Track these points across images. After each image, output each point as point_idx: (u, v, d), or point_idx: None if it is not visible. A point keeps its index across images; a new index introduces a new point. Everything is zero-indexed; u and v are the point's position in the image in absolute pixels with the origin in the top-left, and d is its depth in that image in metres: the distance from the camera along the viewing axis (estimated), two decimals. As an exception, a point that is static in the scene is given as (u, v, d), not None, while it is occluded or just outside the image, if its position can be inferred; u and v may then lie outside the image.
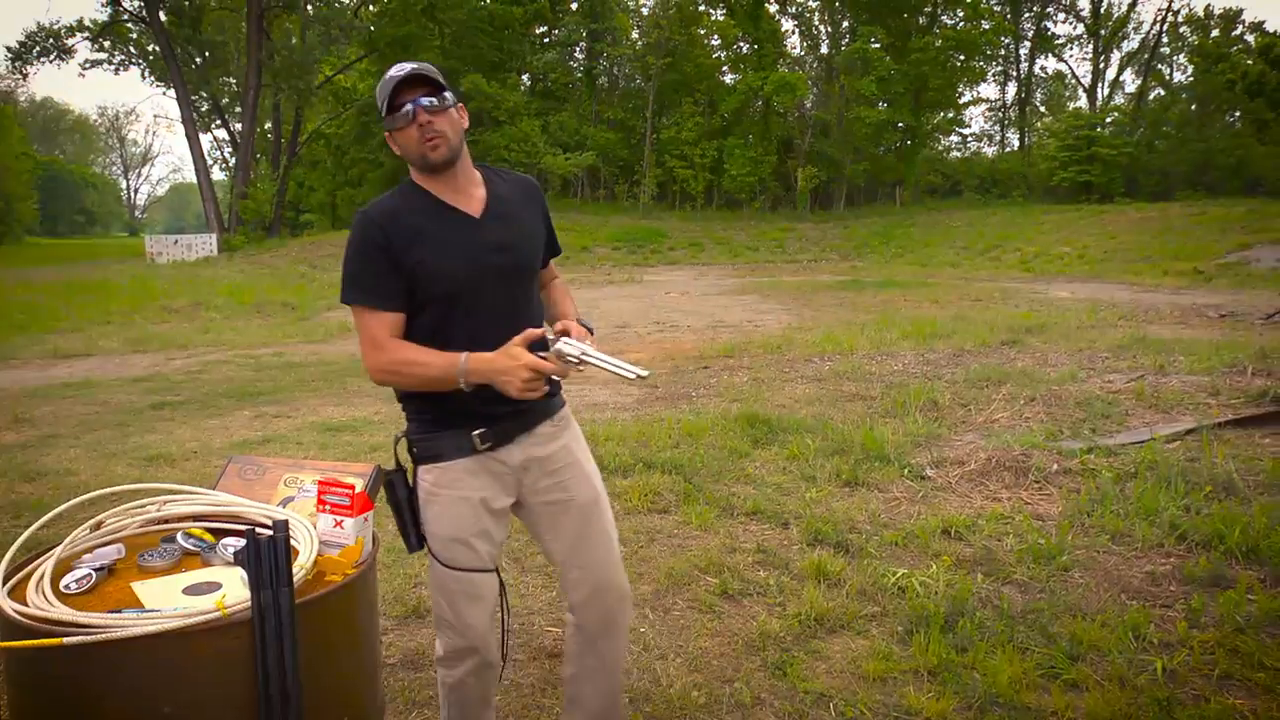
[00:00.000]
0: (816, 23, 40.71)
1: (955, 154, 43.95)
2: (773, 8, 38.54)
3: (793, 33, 43.10)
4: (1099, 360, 7.67)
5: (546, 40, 40.97)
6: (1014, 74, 42.61)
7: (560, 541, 2.07)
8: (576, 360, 1.72)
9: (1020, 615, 2.99)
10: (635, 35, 39.81)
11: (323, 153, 43.96)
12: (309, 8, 34.47)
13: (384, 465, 1.95)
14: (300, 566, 1.29)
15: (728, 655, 2.86)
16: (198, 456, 5.42)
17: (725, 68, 39.29)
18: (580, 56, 40.74)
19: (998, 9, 38.70)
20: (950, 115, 41.11)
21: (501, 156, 33.81)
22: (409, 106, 1.79)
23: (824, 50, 40.57)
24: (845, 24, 39.21)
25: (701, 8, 38.07)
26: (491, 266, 1.89)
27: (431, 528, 1.89)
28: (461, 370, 1.74)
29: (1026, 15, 40.60)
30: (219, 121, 41.39)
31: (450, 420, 1.90)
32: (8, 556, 1.35)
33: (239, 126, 35.52)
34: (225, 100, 40.27)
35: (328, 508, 1.45)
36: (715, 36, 38.76)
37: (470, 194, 1.93)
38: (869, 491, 4.50)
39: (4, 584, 1.29)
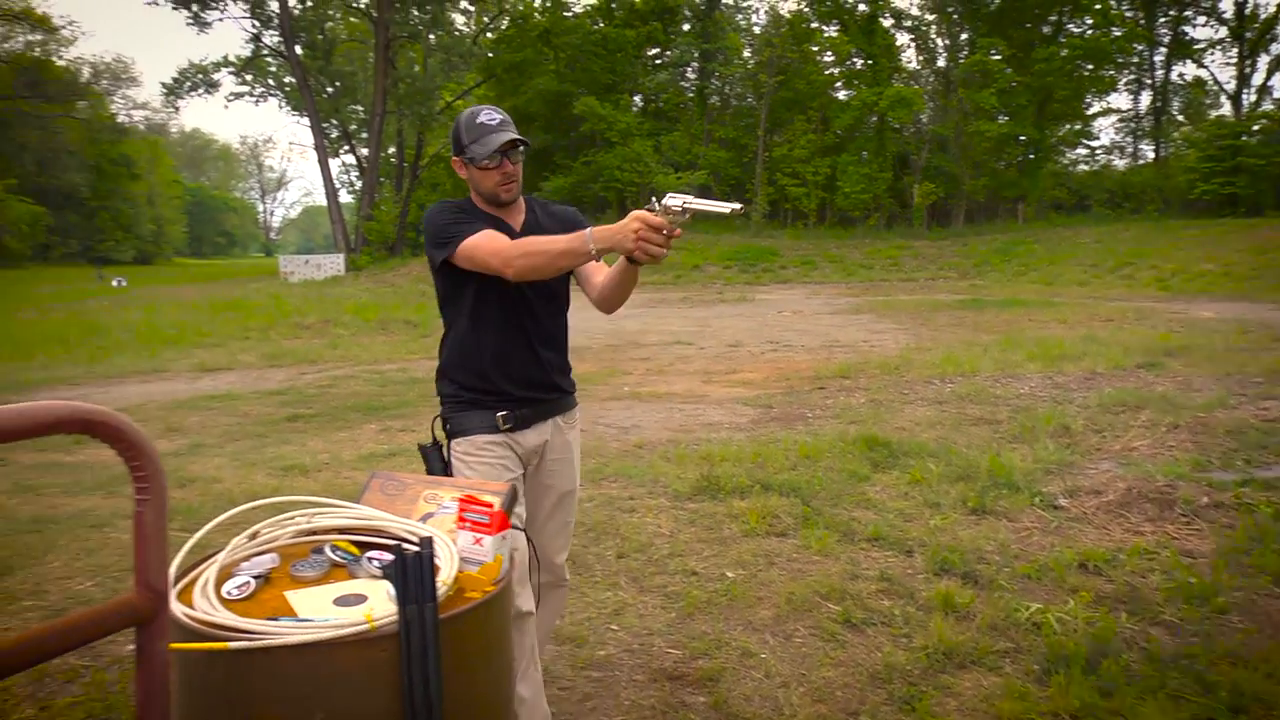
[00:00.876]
0: (933, 36, 39.77)
1: (1083, 167, 42.02)
2: (887, 22, 37.88)
3: (908, 47, 42.26)
4: (1251, 385, 7.18)
5: (659, 61, 41.40)
6: (1148, 82, 40.50)
7: (532, 515, 2.37)
8: (680, 209, 1.87)
9: (1171, 660, 2.80)
10: (747, 54, 39.82)
11: (442, 175, 45.45)
12: (431, 37, 35.79)
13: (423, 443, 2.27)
14: (442, 583, 1.32)
15: (852, 687, 2.78)
16: (329, 467, 5.65)
17: (838, 84, 38.82)
18: (692, 76, 40.99)
19: (1130, 15, 36.99)
20: (1077, 127, 39.46)
21: (614, 176, 34.32)
22: (498, 156, 2.16)
23: (941, 64, 39.59)
24: (964, 36, 38.16)
25: (814, 25, 37.76)
26: None
27: None
28: (588, 238, 1.96)
29: (1162, 20, 38.54)
30: (347, 147, 43.38)
31: (479, 402, 2.24)
32: (176, 561, 1.42)
33: (365, 152, 37.17)
34: (353, 127, 42.19)
35: (468, 525, 1.48)
36: (828, 53, 38.36)
37: (516, 217, 2.30)
38: (997, 520, 4.33)
39: (174, 587, 1.37)
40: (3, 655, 0.91)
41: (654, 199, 1.91)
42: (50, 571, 3.84)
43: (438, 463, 2.21)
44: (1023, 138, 35.84)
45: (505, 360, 2.25)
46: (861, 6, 36.81)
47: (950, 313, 16.06)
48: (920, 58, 40.73)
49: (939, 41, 39.83)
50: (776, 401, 7.79)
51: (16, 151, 48.47)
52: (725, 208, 1.84)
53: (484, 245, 2.09)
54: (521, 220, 2.30)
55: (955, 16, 37.97)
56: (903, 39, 40.35)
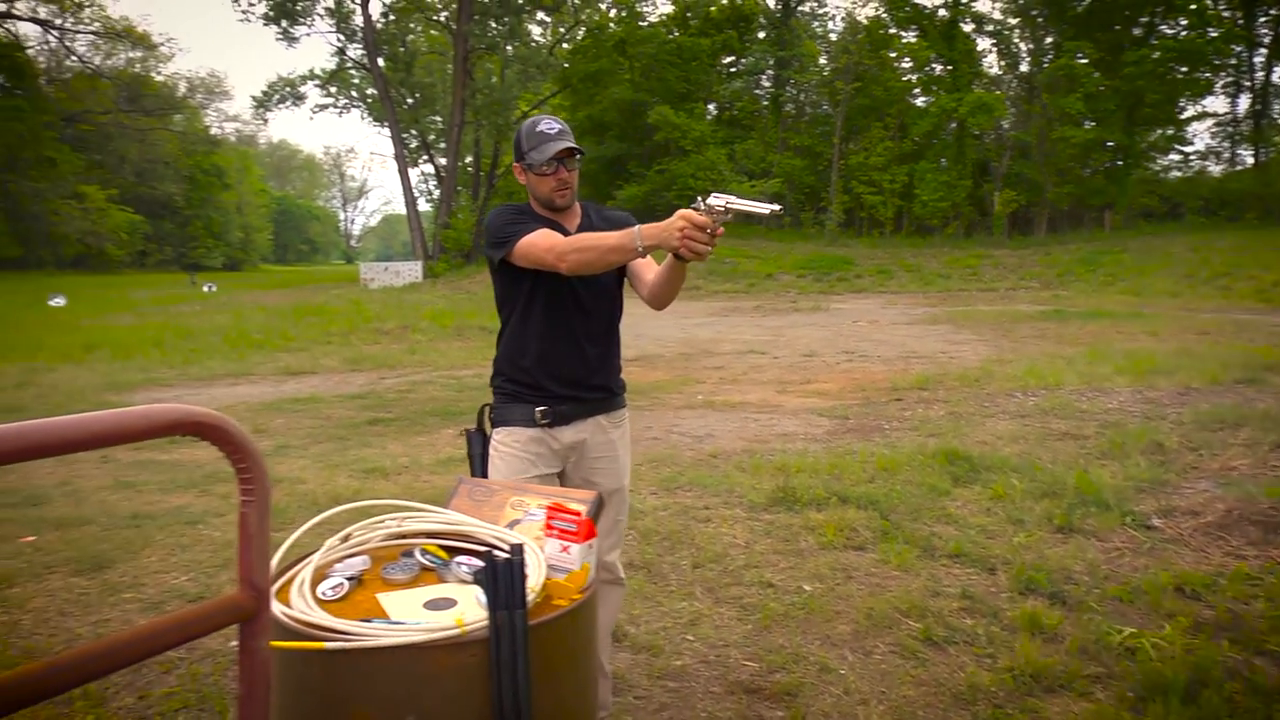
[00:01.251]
0: (1016, 40, 38.81)
1: (1175, 174, 40.40)
2: (968, 27, 37.10)
3: (989, 51, 41.38)
4: (1358, 403, 6.81)
5: (733, 69, 41.34)
6: (1247, 84, 38.80)
7: None
8: (723, 208, 1.94)
9: (1278, 692, 2.66)
10: (823, 61, 39.47)
11: (516, 184, 46.08)
12: (509, 49, 36.39)
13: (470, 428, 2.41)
14: (531, 590, 1.32)
15: (934, 707, 2.71)
16: (409, 471, 5.77)
17: (917, 90, 38.16)
18: (767, 84, 40.80)
19: (1227, 14, 35.50)
20: (1169, 132, 37.97)
21: (688, 184, 34.31)
22: (555, 161, 2.26)
23: (1024, 68, 38.60)
24: (1049, 40, 37.15)
25: (892, 30, 37.21)
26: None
27: (492, 476, 2.33)
28: (636, 235, 2.05)
29: (1262, 20, 36.87)
30: (426, 157, 44.34)
31: (522, 396, 2.35)
32: (275, 561, 1.47)
33: (443, 161, 37.94)
34: (432, 137, 43.11)
35: (555, 532, 1.49)
36: (906, 59, 37.77)
37: (571, 222, 2.40)
38: (1085, 539, 4.18)
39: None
40: (124, 647, 0.95)
41: (699, 198, 1.99)
42: (148, 565, 4.00)
43: (478, 448, 2.37)
44: (1111, 143, 34.67)
45: (549, 358, 2.34)
46: (941, 12, 36.15)
47: (1032, 324, 15.61)
48: (1002, 63, 39.77)
49: (1022, 46, 38.86)
50: (853, 413, 7.68)
51: (117, 163, 50.83)
52: (765, 208, 1.90)
53: (539, 242, 2.19)
54: (577, 224, 2.40)
55: (1040, 20, 36.99)
56: (984, 44, 39.55)
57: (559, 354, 2.34)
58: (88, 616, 3.42)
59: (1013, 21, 38.09)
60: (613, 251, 2.10)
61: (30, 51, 47.66)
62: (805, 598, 3.54)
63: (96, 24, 49.11)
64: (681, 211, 1.96)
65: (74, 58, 49.96)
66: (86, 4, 47.43)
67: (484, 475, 2.33)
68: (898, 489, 5.04)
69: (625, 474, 2.50)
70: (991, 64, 40.65)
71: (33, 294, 24.95)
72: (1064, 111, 32.39)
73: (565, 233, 2.30)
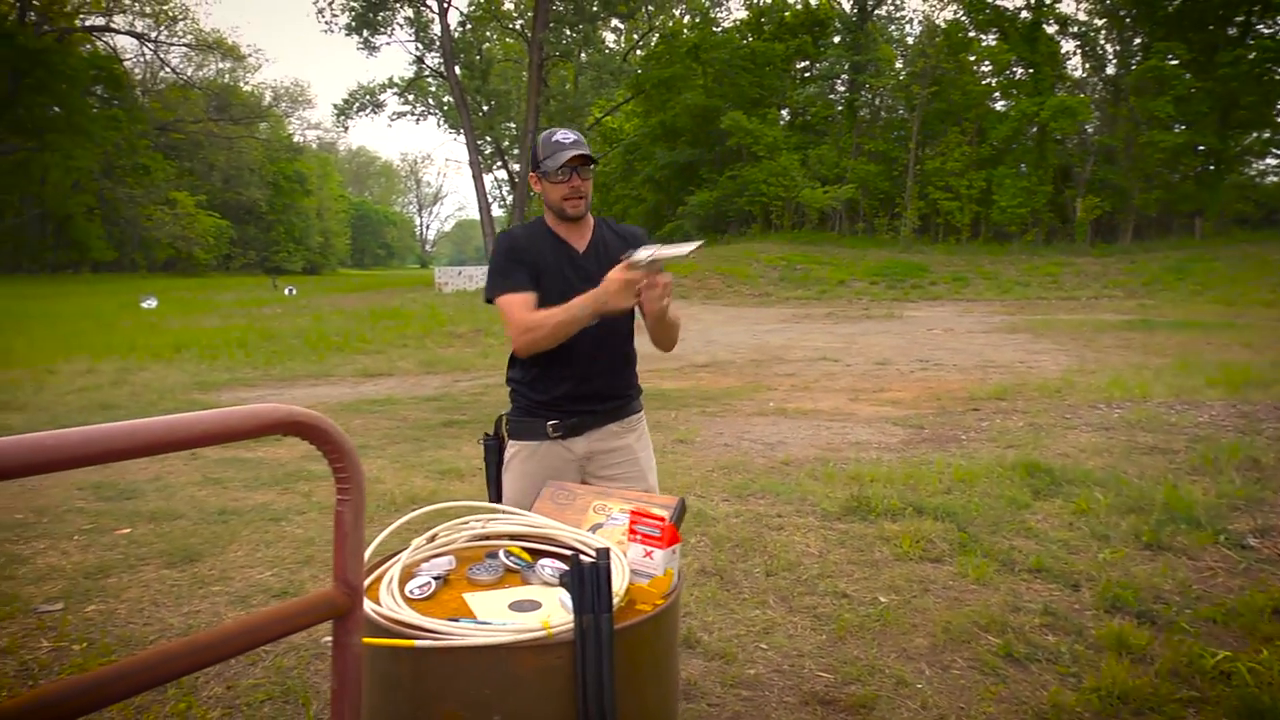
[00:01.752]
0: (1102, 41, 37.66)
1: (1272, 178, 38.69)
2: (1051, 29, 36.12)
3: (1073, 54, 40.21)
4: None
5: (807, 74, 41.01)
6: (1349, 86, 36.95)
7: None
8: (646, 261, 2.02)
9: (1388, 722, 2.52)
10: (899, 65, 38.89)
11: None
12: (583, 55, 36.75)
13: (489, 435, 2.48)
14: (615, 594, 1.33)
15: (1016, 725, 2.64)
16: (483, 473, 5.84)
17: (996, 94, 37.31)
18: (842, 89, 40.36)
19: (1328, 13, 33.86)
20: (1265, 135, 36.38)
21: (760, 190, 34.16)
22: (567, 169, 2.29)
23: (1111, 70, 37.44)
24: (1137, 41, 35.95)
25: (972, 34, 36.45)
26: (577, 290, 2.27)
27: (505, 489, 2.40)
28: (580, 306, 2.16)
29: (1366, 18, 35.10)
30: (500, 163, 45.03)
31: (535, 410, 2.39)
32: (365, 558, 1.50)
33: (516, 167, 38.48)
34: (506, 143, 43.74)
35: (639, 537, 1.49)
36: (986, 62, 36.95)
37: (582, 236, 2.43)
38: (1175, 557, 4.02)
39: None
40: (228, 639, 0.99)
41: (628, 252, 2.10)
42: (234, 560, 4.13)
43: (494, 455, 2.46)
44: (1202, 147, 33.37)
45: (557, 373, 2.37)
46: (1024, 13, 35.27)
47: (1116, 333, 15.12)
48: (1087, 65, 38.64)
49: (1109, 47, 37.70)
50: (928, 422, 7.53)
51: (206, 170, 52.81)
52: (686, 249, 2.00)
53: (506, 315, 2.33)
54: (587, 240, 2.43)
55: (1128, 20, 35.82)
56: (1068, 46, 38.42)
57: (567, 369, 2.36)
58: (179, 608, 3.55)
59: (1099, 22, 37.00)
60: (561, 326, 2.20)
61: (127, 64, 49.89)
62: (881, 609, 3.48)
63: (189, 36, 51.21)
64: (610, 274, 2.09)
65: (168, 69, 52.15)
66: (181, 17, 49.48)
67: (499, 483, 2.45)
68: (975, 501, 4.92)
69: (649, 473, 2.51)
70: (1076, 66, 39.60)
71: (127, 296, 26.06)
72: (1153, 115, 31.31)
73: (571, 254, 2.39)
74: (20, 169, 41.27)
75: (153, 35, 49.11)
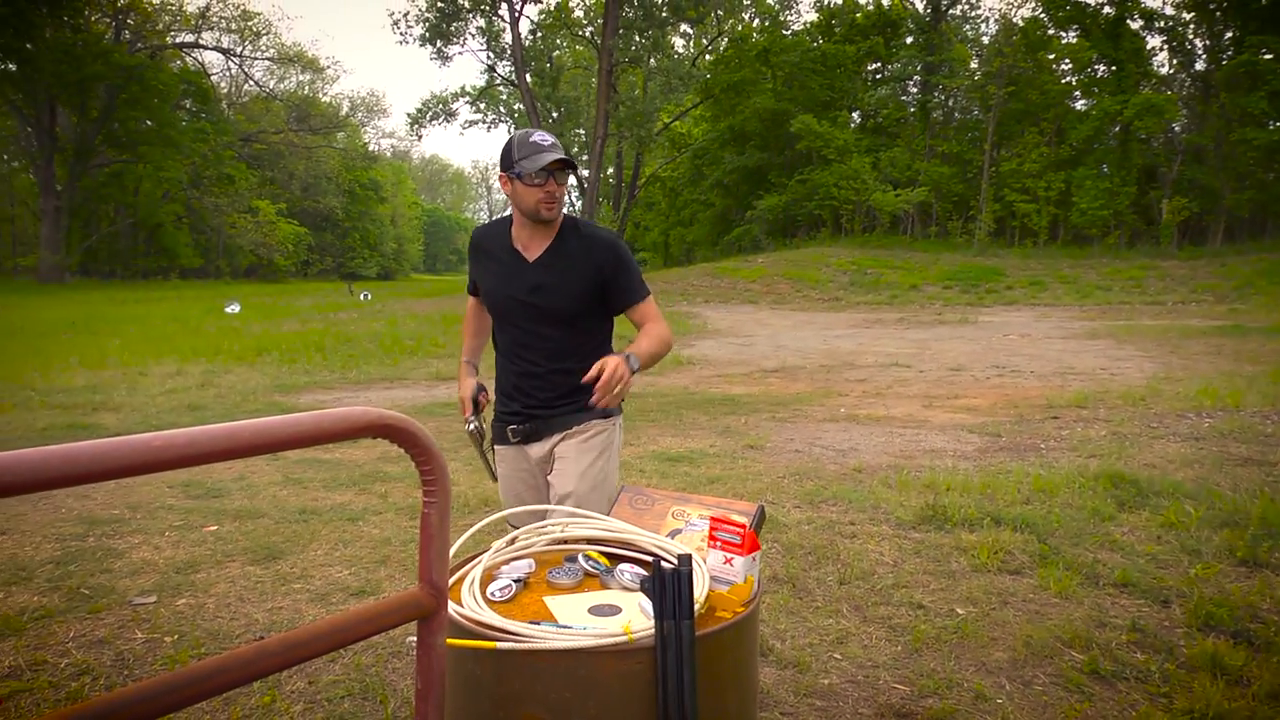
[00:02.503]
0: (1190, 36, 36.25)
1: (1377, 177, 36.73)
2: (1136, 24, 34.91)
3: (1159, 49, 38.82)
4: None
5: (879, 76, 40.44)
6: None
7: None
8: (470, 429, 2.58)
9: None
10: (974, 65, 38.06)
11: (658, 195, 46.72)
12: (652, 61, 36.85)
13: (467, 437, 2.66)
14: (696, 600, 1.32)
15: (1103, 745, 2.55)
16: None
17: (1077, 93, 36.20)
18: (914, 90, 39.68)
19: None
20: (1367, 132, 34.60)
21: (830, 194, 33.79)
22: (544, 174, 2.28)
23: (1199, 66, 36.01)
24: (1228, 35, 34.51)
25: (1051, 31, 35.45)
26: (520, 301, 2.42)
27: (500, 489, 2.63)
28: (461, 366, 2.68)
29: None
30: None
31: (501, 416, 2.55)
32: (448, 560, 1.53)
33: (586, 173, 38.75)
34: (575, 149, 44.16)
35: (719, 544, 1.49)
36: (1066, 60, 35.90)
37: (539, 243, 2.42)
38: (1274, 574, 3.85)
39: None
40: (318, 637, 1.02)
41: (471, 422, 2.57)
42: (314, 558, 4.24)
43: (480, 443, 2.63)
44: (1298, 145, 31.84)
45: (511, 381, 2.52)
46: (1106, 9, 34.18)
47: (1205, 340, 14.53)
48: (1174, 61, 37.23)
49: (1198, 42, 36.27)
50: (1005, 430, 7.35)
51: (286, 179, 54.46)
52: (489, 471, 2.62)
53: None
54: (544, 247, 2.43)
55: (1218, 14, 34.43)
56: (1153, 41, 37.09)
57: (525, 380, 2.47)
58: (263, 603, 3.66)
59: (1187, 16, 35.59)
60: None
61: (214, 78, 51.76)
62: (958, 621, 3.40)
63: (272, 50, 52.94)
64: (460, 399, 2.60)
65: (251, 82, 53.97)
66: (264, 32, 51.21)
67: (492, 470, 2.64)
68: (1056, 512, 4.78)
69: (579, 480, 2.44)
70: (1162, 63, 38.13)
71: (211, 301, 27.01)
72: (1245, 111, 30.00)
73: (521, 263, 2.44)
74: (115, 180, 43.17)
75: (238, 50, 50.92)
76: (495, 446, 2.58)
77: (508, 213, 2.53)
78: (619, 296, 2.48)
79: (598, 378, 2.18)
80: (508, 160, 2.31)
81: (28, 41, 36.25)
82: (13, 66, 37.52)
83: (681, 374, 11.68)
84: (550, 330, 2.44)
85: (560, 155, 2.27)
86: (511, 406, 2.50)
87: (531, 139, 2.29)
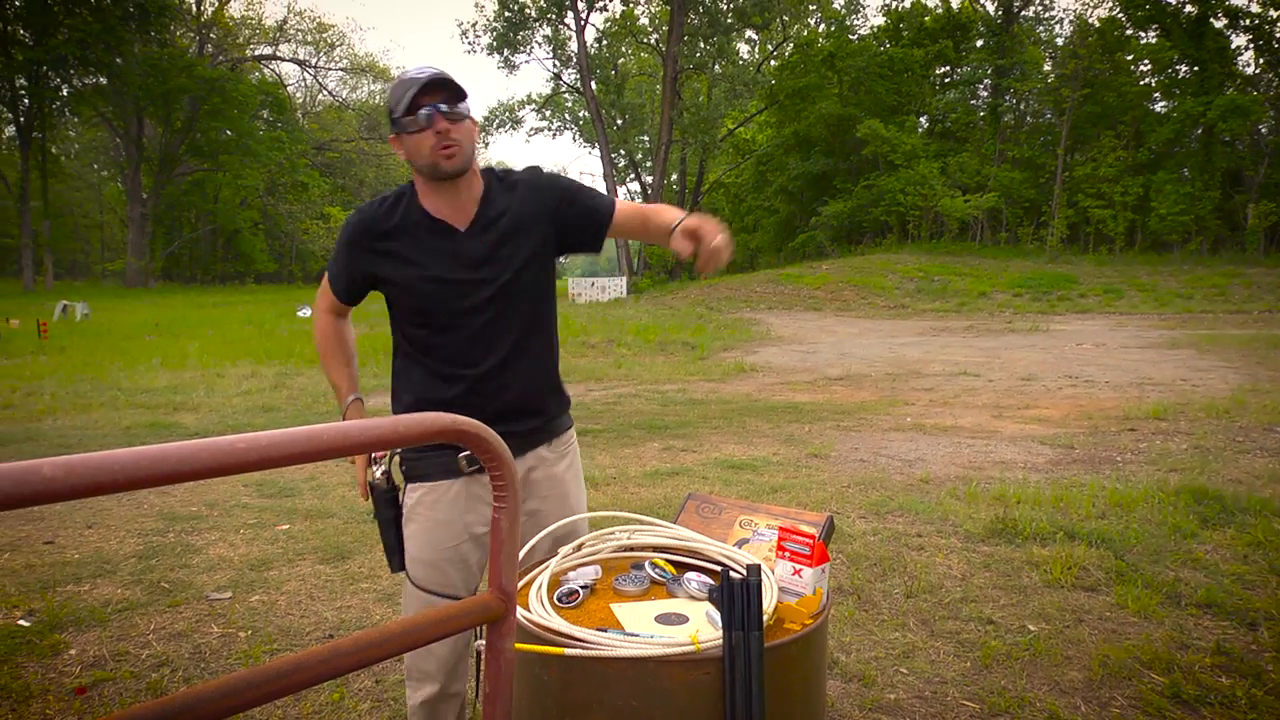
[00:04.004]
0: (1278, 35, 34.84)
1: None
2: (1220, 22, 33.69)
3: (1245, 48, 37.40)
4: None
5: (947, 80, 39.77)
6: None
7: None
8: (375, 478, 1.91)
9: None
10: (1047, 67, 37.18)
11: (721, 201, 46.63)
12: (717, 67, 36.83)
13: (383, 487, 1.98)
14: (764, 612, 1.31)
15: (1185, 771, 2.46)
16: (616, 482, 5.92)
17: (1156, 94, 35.09)
18: (984, 94, 38.92)
19: None
20: None
21: (896, 200, 33.32)
22: (427, 110, 1.73)
23: (1288, 65, 34.59)
24: (1320, 32, 33.09)
25: (1129, 31, 34.44)
26: (467, 281, 1.83)
27: (409, 545, 1.90)
28: (340, 394, 2.03)
29: None
30: (633, 175, 45.66)
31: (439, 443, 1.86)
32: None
33: (650, 179, 38.89)
34: (639, 156, 44.37)
35: (787, 554, 1.47)
36: (1145, 61, 34.84)
37: (463, 206, 1.86)
38: (1369, 598, 3.66)
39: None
40: (391, 638, 1.03)
41: (377, 469, 1.92)
42: (381, 559, 4.32)
43: (390, 509, 1.92)
44: (1395, 147, 30.40)
45: (460, 398, 1.85)
46: (1188, 8, 33.05)
47: (1295, 350, 13.92)
48: (1260, 60, 35.82)
49: (1286, 40, 34.84)
50: (1079, 442, 7.13)
51: (357, 186, 55.81)
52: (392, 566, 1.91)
53: (319, 299, 2.06)
54: (473, 211, 1.88)
55: (1307, 10, 33.04)
56: (1238, 40, 35.75)
57: (474, 384, 1.86)
58: (332, 601, 3.74)
59: (1275, 14, 34.23)
60: (327, 374, 2.07)
61: (290, 88, 53.33)
62: (1030, 638, 3.31)
63: (345, 61, 54.37)
64: (357, 476, 1.96)
65: (325, 92, 55.47)
66: (338, 44, 52.65)
67: (400, 546, 1.92)
68: (1134, 527, 4.62)
69: (579, 508, 2.04)
70: (1247, 62, 36.75)
71: (285, 305, 27.77)
72: (1337, 112, 28.72)
73: (449, 233, 1.86)
74: (197, 188, 44.84)
75: (313, 61, 52.39)
76: (420, 485, 1.91)
77: (394, 190, 1.96)
78: (588, 219, 1.97)
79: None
80: (391, 118, 1.80)
81: (117, 56, 37.85)
82: (104, 80, 39.23)
83: (745, 381, 11.62)
84: (513, 310, 1.88)
85: (424, 78, 1.73)
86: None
87: (405, 77, 1.77)
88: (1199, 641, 3.28)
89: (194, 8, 44.72)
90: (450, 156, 1.76)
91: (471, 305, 1.85)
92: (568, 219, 1.95)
